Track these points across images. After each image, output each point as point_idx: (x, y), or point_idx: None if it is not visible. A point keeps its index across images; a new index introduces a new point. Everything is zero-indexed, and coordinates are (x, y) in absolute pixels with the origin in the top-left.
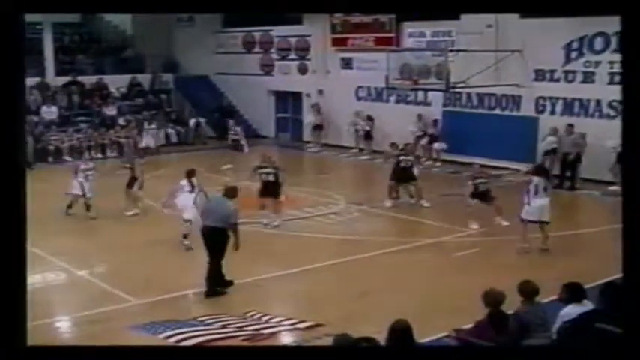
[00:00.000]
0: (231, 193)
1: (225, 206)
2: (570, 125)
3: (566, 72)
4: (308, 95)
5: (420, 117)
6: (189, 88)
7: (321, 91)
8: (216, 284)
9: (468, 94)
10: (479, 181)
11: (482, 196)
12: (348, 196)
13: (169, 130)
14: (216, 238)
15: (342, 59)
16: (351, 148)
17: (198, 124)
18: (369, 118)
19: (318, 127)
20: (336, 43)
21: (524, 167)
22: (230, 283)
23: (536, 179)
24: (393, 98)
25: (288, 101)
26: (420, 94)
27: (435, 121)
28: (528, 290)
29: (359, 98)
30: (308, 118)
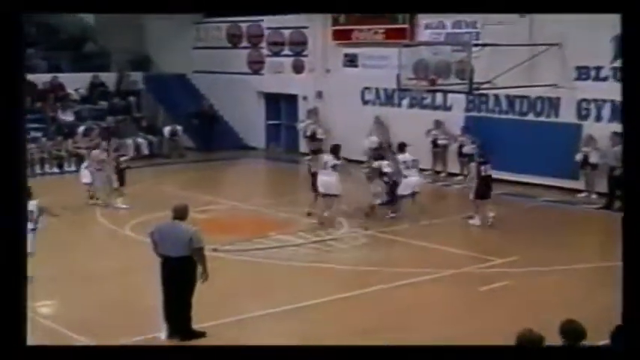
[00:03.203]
0: (180, 213)
1: (180, 230)
2: (616, 133)
3: (615, 69)
4: (305, 98)
5: (437, 124)
6: (163, 89)
7: (319, 94)
8: (183, 332)
9: (496, 97)
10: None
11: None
12: (352, 219)
13: (139, 140)
14: (180, 270)
15: (346, 55)
16: (360, 161)
17: (174, 133)
18: (381, 124)
19: (314, 137)
20: (338, 36)
21: (563, 184)
22: (201, 334)
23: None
24: (405, 102)
25: (282, 105)
26: (439, 96)
27: (466, 129)
28: (573, 332)
29: (365, 102)
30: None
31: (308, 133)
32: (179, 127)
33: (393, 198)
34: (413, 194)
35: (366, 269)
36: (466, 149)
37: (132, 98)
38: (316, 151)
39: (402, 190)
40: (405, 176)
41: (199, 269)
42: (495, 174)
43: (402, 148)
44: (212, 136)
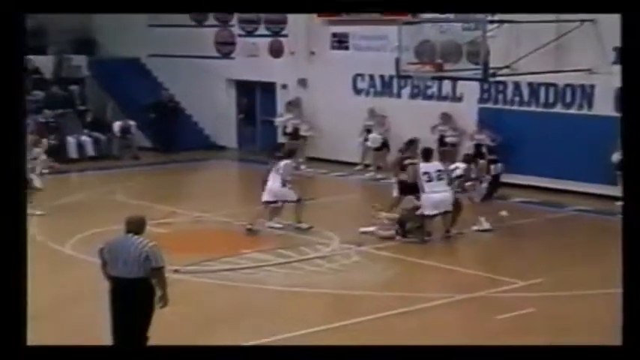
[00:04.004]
0: (135, 226)
1: (135, 246)
2: None
3: None
4: (284, 87)
5: (445, 118)
6: (113, 76)
7: (302, 82)
8: None
9: (516, 85)
10: None
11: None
12: (343, 233)
13: (83, 138)
14: (134, 295)
15: (334, 35)
16: (353, 163)
17: (126, 130)
18: (384, 119)
19: (297, 134)
20: (325, 12)
21: (598, 190)
22: None
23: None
24: (406, 91)
25: (256, 96)
26: (446, 85)
27: (484, 124)
28: None
29: (358, 91)
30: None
31: (289, 130)
32: (132, 123)
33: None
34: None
35: (361, 294)
36: (485, 148)
37: (74, 87)
38: (291, 152)
39: (426, 210)
40: (426, 191)
41: (158, 294)
42: (515, 179)
43: (426, 155)
44: (173, 134)
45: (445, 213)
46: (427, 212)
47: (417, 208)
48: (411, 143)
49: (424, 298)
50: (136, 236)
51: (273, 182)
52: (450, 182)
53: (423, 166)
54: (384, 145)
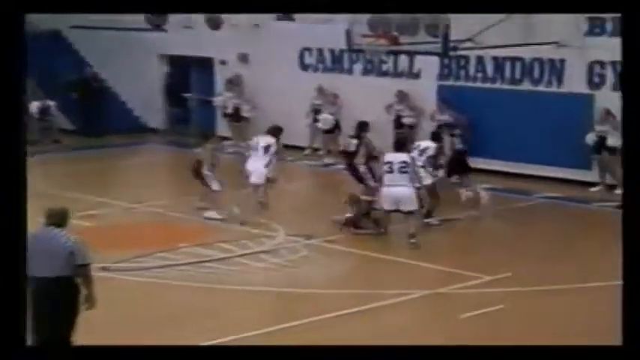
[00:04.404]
0: (57, 218)
1: (57, 241)
2: None
3: None
4: (223, 63)
5: (401, 96)
6: (30, 50)
7: (244, 57)
8: None
9: (479, 60)
10: None
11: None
12: (290, 225)
13: None
14: (57, 296)
15: None
16: (301, 147)
17: (45, 111)
18: (335, 98)
19: (238, 115)
20: None
21: (571, 175)
22: None
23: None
24: (358, 67)
25: (192, 73)
26: (403, 60)
27: (446, 103)
28: None
29: (305, 67)
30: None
31: (229, 110)
32: (52, 103)
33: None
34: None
35: (309, 292)
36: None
37: None
38: (207, 136)
39: (384, 204)
40: (385, 184)
41: (83, 293)
42: (479, 163)
43: (398, 146)
44: (98, 115)
45: (408, 214)
46: (386, 207)
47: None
48: (362, 127)
49: (380, 295)
50: (58, 229)
51: (257, 162)
52: (424, 166)
53: (388, 156)
54: (336, 127)
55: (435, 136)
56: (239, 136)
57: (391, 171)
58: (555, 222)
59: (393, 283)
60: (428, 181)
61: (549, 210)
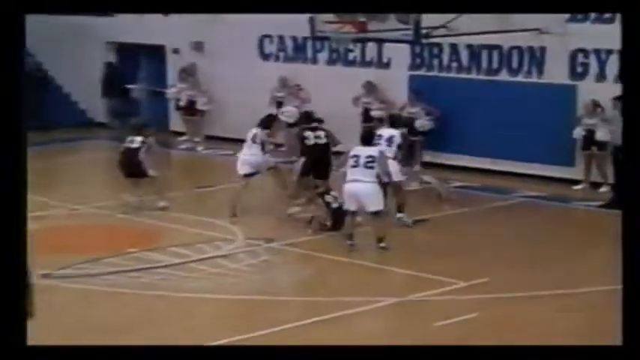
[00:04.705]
0: None
1: None
2: (619, 98)
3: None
4: (176, 51)
5: (369, 87)
6: None
7: (198, 45)
8: None
9: (454, 48)
10: None
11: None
12: (249, 227)
13: None
14: None
15: None
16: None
17: None
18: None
19: (192, 108)
20: None
21: (552, 172)
22: None
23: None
24: (323, 56)
25: (142, 62)
26: (371, 48)
27: (416, 94)
28: None
29: (265, 56)
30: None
31: (182, 103)
32: None
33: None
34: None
35: (271, 299)
36: (420, 124)
37: None
38: (139, 128)
39: (345, 203)
40: (346, 179)
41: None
42: (453, 159)
43: (365, 139)
44: (40, 109)
45: (374, 216)
46: (347, 205)
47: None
48: (306, 117)
49: (347, 303)
50: None
51: (250, 151)
52: (395, 157)
53: (355, 149)
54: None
55: (395, 121)
56: (193, 131)
57: (357, 165)
58: (536, 223)
59: (361, 290)
60: (399, 177)
61: (529, 210)
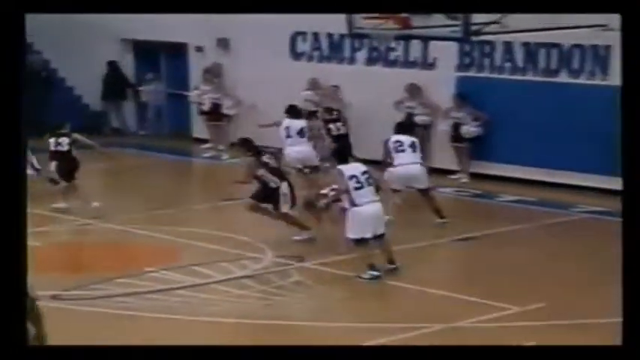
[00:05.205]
0: None
1: None
2: None
3: None
4: (199, 49)
5: (413, 90)
6: None
7: (224, 42)
8: None
9: (507, 46)
10: None
11: None
12: (277, 244)
13: None
14: None
15: None
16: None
17: None
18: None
19: (217, 113)
20: None
21: (617, 184)
22: None
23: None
24: (362, 55)
25: (162, 62)
26: (415, 46)
27: (461, 98)
28: None
29: (297, 55)
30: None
31: (205, 107)
32: None
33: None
34: (375, 237)
35: (304, 325)
36: (466, 130)
37: None
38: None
39: (356, 232)
40: (357, 204)
41: (31, 332)
42: (504, 170)
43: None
44: (47, 112)
45: (425, 192)
46: (359, 235)
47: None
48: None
49: (388, 330)
50: None
51: (300, 146)
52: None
53: (347, 169)
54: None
55: (406, 128)
56: (218, 138)
57: (360, 186)
58: (597, 241)
59: (403, 315)
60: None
61: (590, 227)
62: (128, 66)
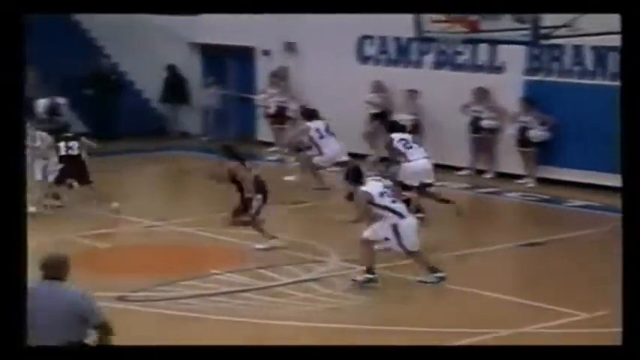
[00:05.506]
0: (56, 269)
1: (64, 297)
2: None
3: None
4: (266, 53)
5: (480, 94)
6: (36, 38)
7: (291, 46)
8: None
9: (577, 49)
10: None
11: None
12: (344, 248)
13: None
14: None
15: None
16: (360, 155)
17: (53, 109)
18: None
19: (282, 116)
20: None
21: None
22: None
23: None
24: (428, 59)
25: (229, 65)
26: (483, 49)
27: (528, 102)
28: None
29: (364, 59)
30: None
31: (272, 110)
32: (62, 101)
33: None
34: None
35: (370, 329)
36: (533, 135)
37: None
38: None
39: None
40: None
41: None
42: (573, 175)
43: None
44: (116, 115)
45: (426, 189)
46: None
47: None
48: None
49: (453, 334)
50: (58, 283)
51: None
52: None
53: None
54: (416, 129)
55: (399, 126)
56: (283, 141)
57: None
58: None
59: (469, 320)
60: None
61: None
62: (194, 69)
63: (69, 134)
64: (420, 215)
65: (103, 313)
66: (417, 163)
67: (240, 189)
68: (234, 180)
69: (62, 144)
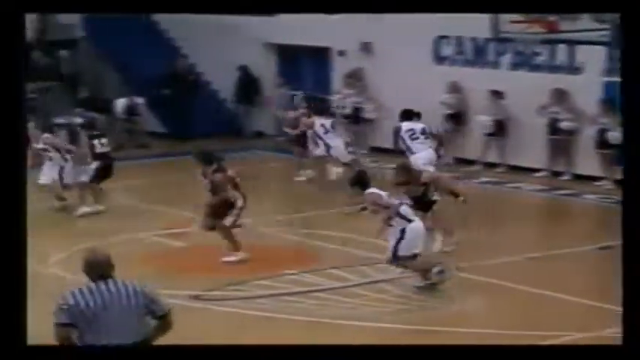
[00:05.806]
0: (103, 268)
1: (127, 292)
2: None
3: None
4: (342, 54)
5: (559, 95)
6: (115, 38)
7: (366, 46)
8: None
9: None
10: None
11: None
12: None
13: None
14: None
15: None
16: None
17: (132, 110)
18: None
19: (357, 117)
20: None
21: None
22: None
23: None
24: (505, 59)
25: (304, 66)
26: (562, 50)
27: (608, 103)
28: None
29: (440, 60)
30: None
31: (347, 111)
32: (140, 101)
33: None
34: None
35: (443, 330)
36: (613, 136)
37: (63, 52)
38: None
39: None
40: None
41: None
42: None
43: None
44: (193, 115)
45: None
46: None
47: None
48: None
49: (529, 337)
50: (116, 281)
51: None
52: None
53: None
54: (500, 131)
55: (412, 114)
56: (358, 142)
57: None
58: None
59: (546, 323)
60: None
61: None
62: (270, 70)
63: (98, 132)
64: (461, 199)
65: (166, 302)
66: (421, 154)
67: (224, 194)
68: (216, 184)
69: (96, 141)
